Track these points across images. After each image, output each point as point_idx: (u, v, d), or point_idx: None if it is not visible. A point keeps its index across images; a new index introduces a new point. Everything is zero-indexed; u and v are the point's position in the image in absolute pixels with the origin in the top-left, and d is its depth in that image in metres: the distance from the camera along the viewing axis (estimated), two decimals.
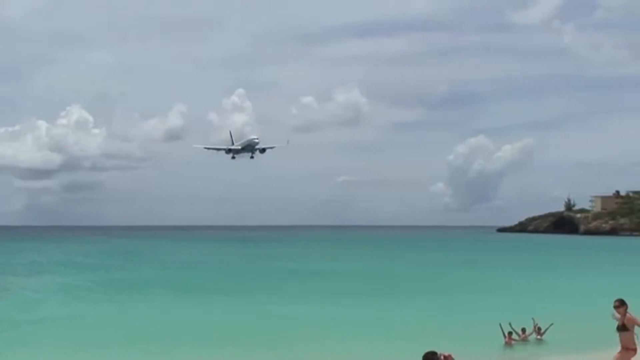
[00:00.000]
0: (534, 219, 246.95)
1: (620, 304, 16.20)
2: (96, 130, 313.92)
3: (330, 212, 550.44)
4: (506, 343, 27.59)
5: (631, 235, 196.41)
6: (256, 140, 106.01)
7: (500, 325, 28.08)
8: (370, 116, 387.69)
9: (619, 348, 16.46)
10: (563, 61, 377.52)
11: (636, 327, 16.21)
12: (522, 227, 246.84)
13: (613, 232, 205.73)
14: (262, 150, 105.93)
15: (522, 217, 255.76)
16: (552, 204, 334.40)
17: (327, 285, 53.90)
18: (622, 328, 16.08)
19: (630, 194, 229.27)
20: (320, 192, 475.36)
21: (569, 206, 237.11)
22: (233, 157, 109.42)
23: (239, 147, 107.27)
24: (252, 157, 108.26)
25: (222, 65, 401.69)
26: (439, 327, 32.05)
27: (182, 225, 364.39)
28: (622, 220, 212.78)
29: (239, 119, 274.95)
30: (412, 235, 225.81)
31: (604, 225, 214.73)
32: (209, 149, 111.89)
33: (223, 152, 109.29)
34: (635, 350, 16.11)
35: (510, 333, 27.82)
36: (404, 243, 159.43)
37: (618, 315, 16.20)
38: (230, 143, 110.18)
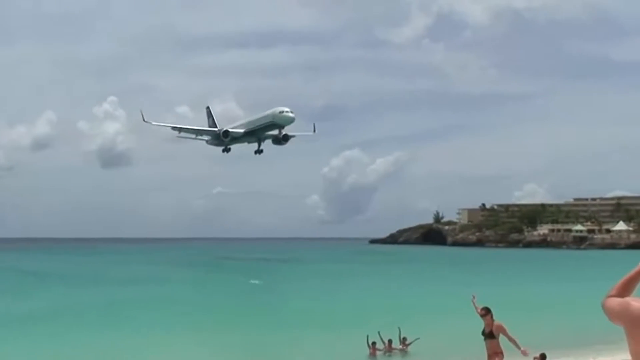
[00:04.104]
0: (404, 230, 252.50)
1: (486, 312, 16.32)
2: None
3: (205, 223, 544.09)
4: (370, 354, 27.36)
5: (496, 246, 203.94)
6: (290, 115, 65.35)
7: (367, 337, 27.84)
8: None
9: (484, 357, 16.51)
10: (433, 78, 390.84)
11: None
12: (393, 239, 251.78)
13: (479, 243, 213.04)
14: (285, 139, 68.00)
15: (394, 229, 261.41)
16: (422, 215, 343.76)
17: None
18: (490, 335, 16.16)
19: (495, 207, 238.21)
20: (194, 203, 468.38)
21: (437, 218, 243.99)
22: (226, 150, 70.15)
23: (242, 131, 67.76)
24: (259, 152, 69.62)
25: (93, 71, 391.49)
26: (306, 338, 31.64)
27: (49, 237, 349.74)
28: (487, 232, 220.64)
29: (110, 128, 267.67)
30: (285, 247, 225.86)
31: (470, 236, 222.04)
32: (179, 129, 70.70)
33: (203, 139, 71.21)
34: (502, 354, 16.24)
35: (374, 343, 27.62)
36: (277, 255, 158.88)
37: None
38: (210, 124, 72.96)
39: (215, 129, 69.55)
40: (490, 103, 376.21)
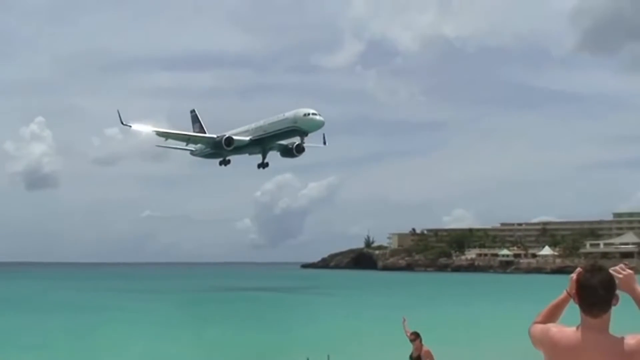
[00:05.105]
0: (336, 255, 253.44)
1: (416, 337, 16.54)
2: None
3: (133, 247, 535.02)
4: None
5: (425, 270, 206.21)
6: (319, 118, 55.39)
7: None
8: (177, 150, 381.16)
9: None
10: (364, 104, 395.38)
11: None
12: (325, 263, 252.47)
13: (409, 267, 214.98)
14: (299, 150, 59.17)
15: (326, 253, 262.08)
16: (353, 240, 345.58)
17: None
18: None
19: (425, 232, 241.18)
20: (122, 227, 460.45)
21: (368, 243, 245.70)
22: (224, 162, 59.86)
23: (248, 139, 56.52)
24: (264, 165, 60.23)
25: (21, 91, 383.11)
26: None
27: None
28: (417, 257, 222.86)
29: (37, 149, 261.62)
30: (217, 272, 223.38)
31: (400, 261, 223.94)
32: (165, 136, 59.13)
33: (188, 149, 61.82)
34: None
35: None
36: (207, 281, 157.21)
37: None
38: (197, 129, 62.37)
39: (214, 136, 58.51)
40: (420, 129, 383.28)
